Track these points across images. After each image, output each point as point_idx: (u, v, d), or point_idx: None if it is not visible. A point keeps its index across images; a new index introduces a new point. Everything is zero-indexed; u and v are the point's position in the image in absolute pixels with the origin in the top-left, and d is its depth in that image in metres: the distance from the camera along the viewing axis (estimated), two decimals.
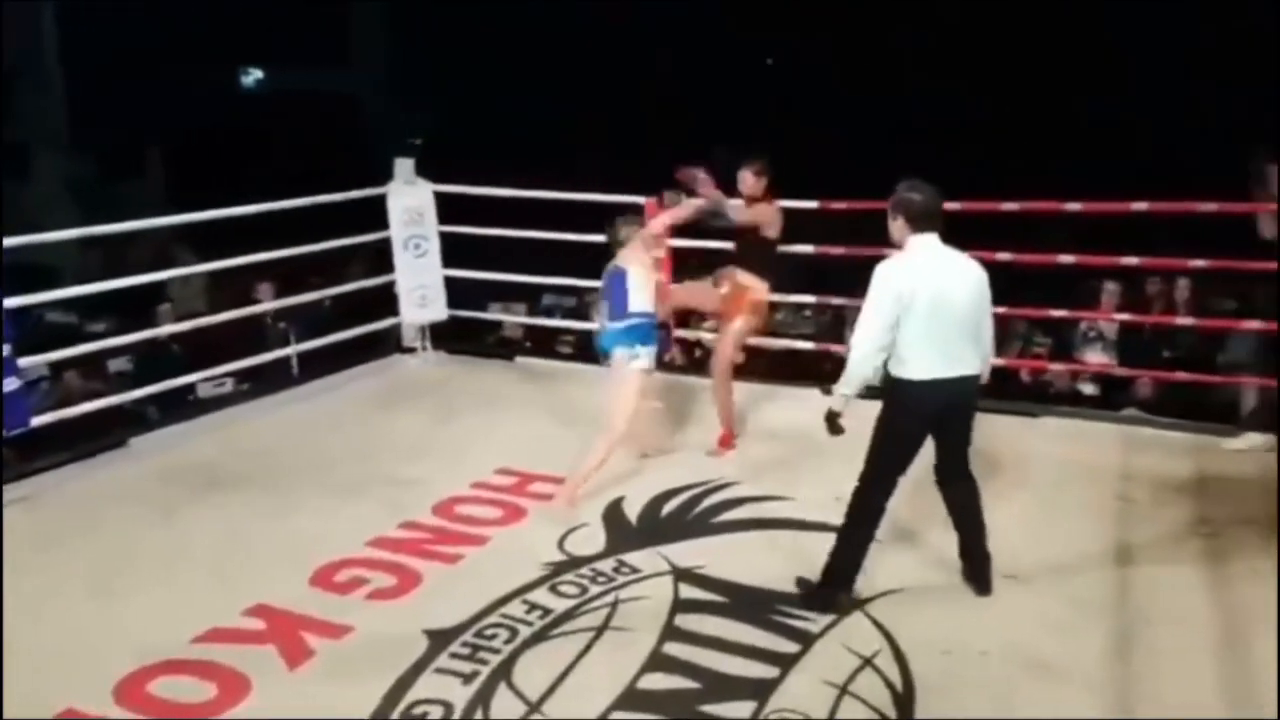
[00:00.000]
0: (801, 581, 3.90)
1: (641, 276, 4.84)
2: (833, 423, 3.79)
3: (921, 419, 3.72)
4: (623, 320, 4.82)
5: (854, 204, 5.92)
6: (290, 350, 6.71)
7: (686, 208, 5.04)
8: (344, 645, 3.58)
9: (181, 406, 6.28)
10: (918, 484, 4.57)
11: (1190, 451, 5.22)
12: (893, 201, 3.71)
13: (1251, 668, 3.35)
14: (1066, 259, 5.95)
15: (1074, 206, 5.64)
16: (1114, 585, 3.91)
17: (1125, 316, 6.83)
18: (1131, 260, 5.76)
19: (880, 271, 3.64)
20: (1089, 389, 7.08)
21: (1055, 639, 3.55)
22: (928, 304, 3.57)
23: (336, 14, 18.61)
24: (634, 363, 4.79)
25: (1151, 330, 6.98)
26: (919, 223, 3.66)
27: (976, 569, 3.93)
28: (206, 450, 5.42)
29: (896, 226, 3.72)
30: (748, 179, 5.21)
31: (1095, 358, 7.11)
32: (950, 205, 5.29)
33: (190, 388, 6.46)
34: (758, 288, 5.27)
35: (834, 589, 3.80)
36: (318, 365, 6.78)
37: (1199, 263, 5.59)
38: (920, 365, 3.62)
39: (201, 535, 4.43)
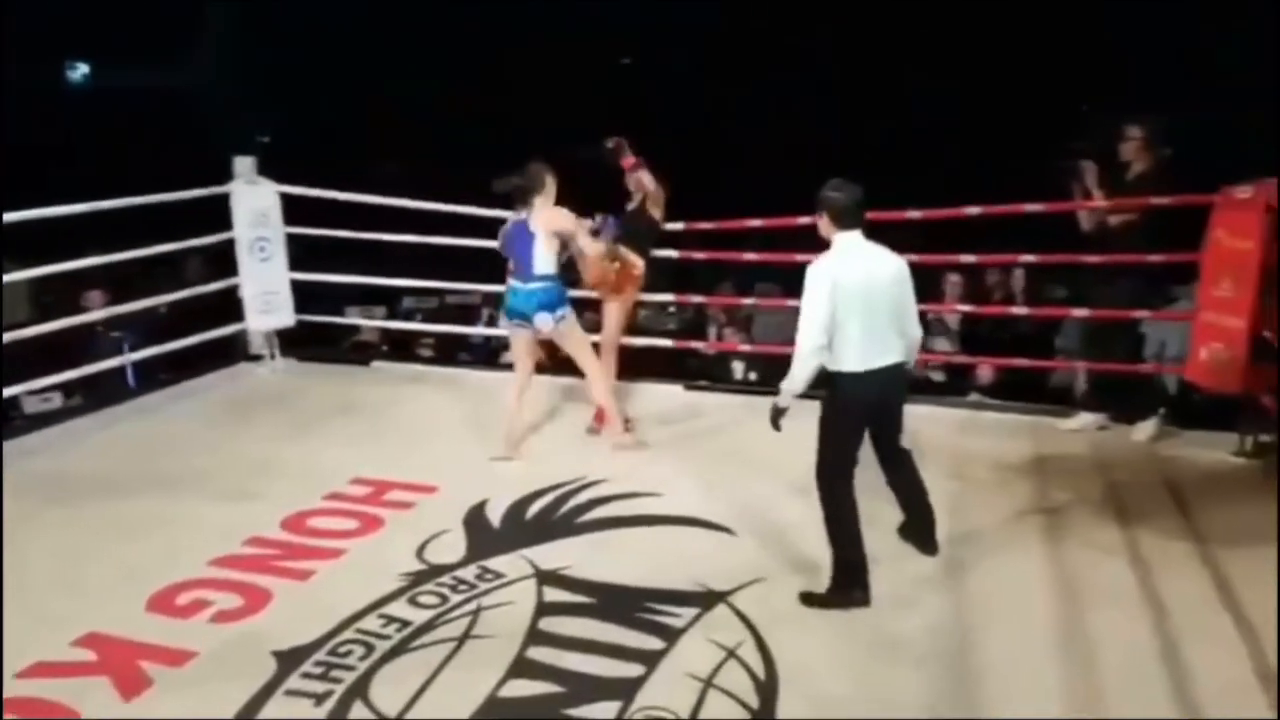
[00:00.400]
0: (805, 595, 3.84)
1: (548, 243, 5.04)
2: (776, 420, 3.92)
3: (862, 408, 3.86)
4: (532, 282, 5.03)
5: (722, 223, 6.16)
6: (121, 360, 6.33)
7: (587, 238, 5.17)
8: (185, 672, 3.39)
9: (4, 423, 5.87)
10: (787, 482, 4.71)
11: (1028, 433, 5.48)
12: (818, 200, 3.83)
13: (1088, 638, 3.51)
14: (911, 258, 6.18)
15: (914, 214, 5.87)
16: (958, 563, 4.05)
17: (967, 308, 7.12)
18: (970, 258, 6.04)
19: (812, 272, 3.75)
20: (938, 376, 7.35)
21: (905, 619, 3.66)
22: (859, 298, 3.71)
23: (173, 3, 17.74)
24: (563, 321, 5.09)
25: (991, 319, 7.29)
26: (843, 220, 3.79)
27: (925, 533, 4.12)
28: (33, 469, 5.10)
29: (823, 224, 3.85)
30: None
31: (941, 347, 7.39)
32: (804, 219, 5.55)
33: (13, 403, 6.05)
34: (640, 265, 5.44)
35: (847, 588, 3.80)
36: (157, 376, 6.45)
37: (1029, 257, 5.88)
38: (855, 358, 3.74)
39: (25, 562, 4.12)
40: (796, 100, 15.22)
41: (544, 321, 5.05)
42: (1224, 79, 11.21)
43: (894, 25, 14.75)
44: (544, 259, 5.02)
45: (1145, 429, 5.28)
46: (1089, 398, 5.67)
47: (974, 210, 5.64)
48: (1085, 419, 5.45)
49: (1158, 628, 3.54)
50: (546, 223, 5.01)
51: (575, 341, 5.21)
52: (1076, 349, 6.03)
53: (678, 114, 15.32)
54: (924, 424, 5.61)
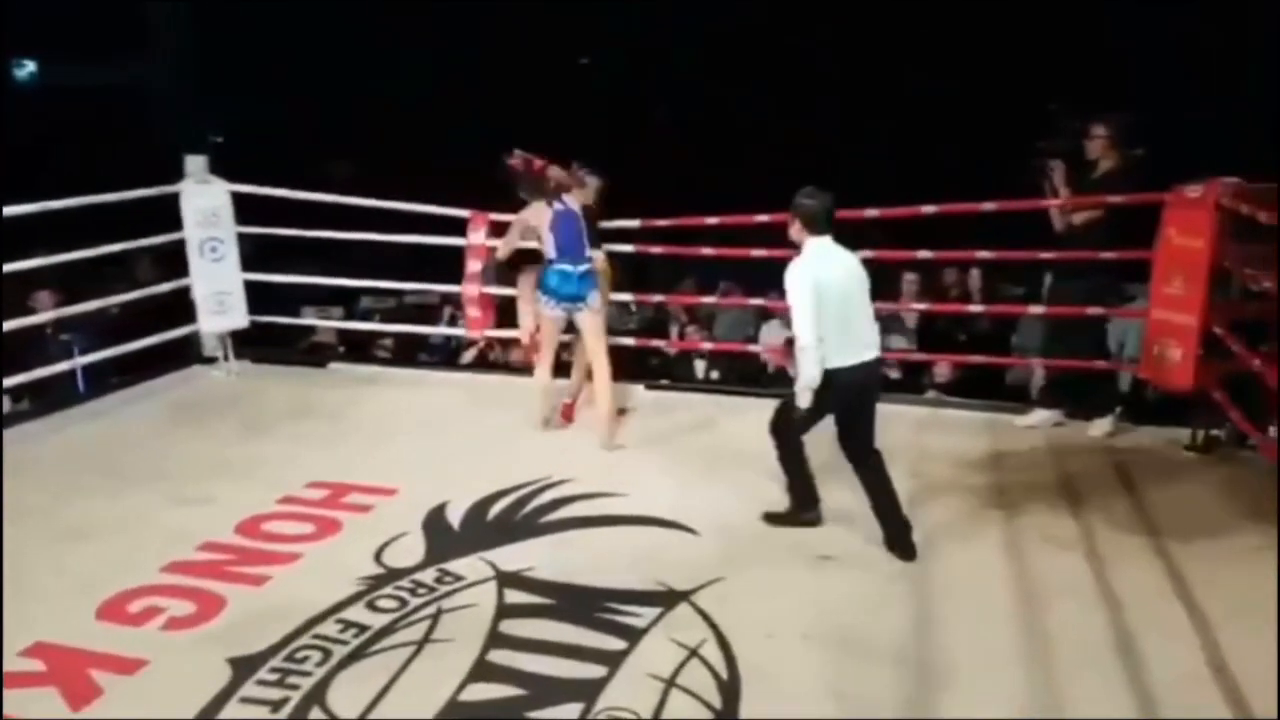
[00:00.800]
0: (769, 515, 4.42)
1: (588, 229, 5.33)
2: (796, 418, 4.19)
3: (848, 399, 4.09)
4: (583, 264, 5.26)
5: (679, 220, 6.16)
6: (71, 364, 6.18)
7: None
8: (137, 681, 3.32)
9: None
10: (749, 481, 4.72)
11: (986, 429, 5.54)
12: (792, 207, 4.07)
13: (1047, 632, 3.55)
14: (867, 254, 6.22)
15: (872, 212, 5.90)
16: (920, 560, 4.08)
17: (924, 306, 7.18)
18: (926, 254, 6.08)
19: (793, 273, 3.99)
20: (894, 374, 7.41)
21: (869, 617, 3.67)
22: (838, 298, 3.95)
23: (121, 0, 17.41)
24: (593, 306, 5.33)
25: (947, 317, 7.37)
26: (814, 225, 4.04)
27: (900, 537, 4.16)
28: None
29: (794, 229, 4.09)
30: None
31: (898, 345, 7.45)
32: (761, 217, 5.59)
33: None
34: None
35: (799, 510, 4.37)
36: (109, 379, 6.33)
37: (985, 254, 5.92)
38: (838, 354, 3.98)
39: None
40: (764, 98, 15.27)
41: (595, 301, 5.31)
42: (1195, 79, 11.43)
43: (861, 24, 14.84)
44: (588, 243, 5.32)
45: (1101, 425, 5.35)
46: (1045, 394, 5.73)
47: (930, 209, 5.68)
48: (1042, 415, 5.51)
49: (1113, 620, 3.60)
50: (582, 210, 5.34)
51: (599, 328, 5.38)
52: (1034, 347, 6.09)
53: (621, 114, 15.39)
54: (883, 421, 5.68)
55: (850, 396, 4.08)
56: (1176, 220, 4.84)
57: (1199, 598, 3.70)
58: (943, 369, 6.85)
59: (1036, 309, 5.58)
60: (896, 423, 5.60)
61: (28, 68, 18.08)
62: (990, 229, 5.97)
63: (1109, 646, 3.44)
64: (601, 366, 5.34)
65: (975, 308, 6.80)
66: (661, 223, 6.23)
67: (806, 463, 4.36)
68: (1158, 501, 4.51)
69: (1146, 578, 3.88)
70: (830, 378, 3.99)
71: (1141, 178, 5.10)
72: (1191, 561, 3.97)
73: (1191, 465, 5.00)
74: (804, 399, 4.03)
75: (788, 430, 4.26)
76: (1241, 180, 4.69)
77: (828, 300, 3.92)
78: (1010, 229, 5.96)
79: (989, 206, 5.55)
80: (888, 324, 7.65)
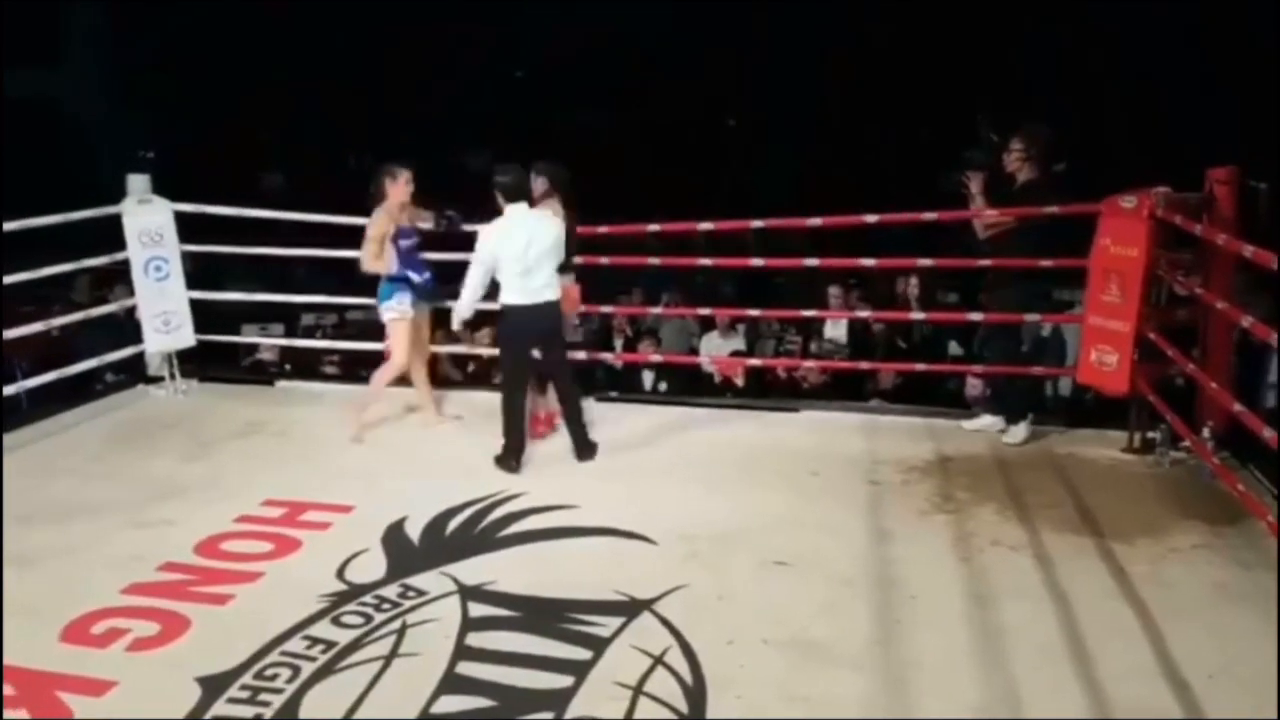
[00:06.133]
0: (496, 458, 5.22)
1: None
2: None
3: (523, 334, 5.16)
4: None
5: (616, 228, 6.15)
6: (17, 388, 6.04)
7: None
8: (106, 702, 3.29)
9: None
10: (704, 489, 4.79)
11: (929, 435, 5.65)
12: (492, 184, 5.10)
13: (1001, 632, 3.65)
14: (811, 262, 6.37)
15: (815, 221, 6.02)
16: (874, 564, 4.17)
17: (866, 314, 7.35)
18: (869, 262, 6.21)
19: (482, 232, 5.11)
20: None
21: (826, 621, 3.75)
22: (515, 253, 4.99)
23: (45, 14, 17.00)
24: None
25: (886, 325, 7.54)
26: (509, 195, 5.09)
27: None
28: None
29: (500, 200, 5.09)
30: (535, 185, 5.50)
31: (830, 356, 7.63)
32: (704, 225, 5.92)
33: None
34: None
35: (507, 460, 5.20)
36: (52, 401, 6.21)
37: (926, 261, 6.07)
38: (517, 296, 5.05)
39: None
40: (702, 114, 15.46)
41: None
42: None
43: (796, 37, 15.09)
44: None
45: (1016, 433, 5.47)
46: (990, 401, 5.88)
47: (872, 218, 5.81)
48: (987, 420, 5.66)
49: (1064, 619, 3.70)
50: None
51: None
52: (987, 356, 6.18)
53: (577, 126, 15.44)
54: (829, 427, 5.84)
55: (525, 324, 5.10)
56: (1111, 230, 5.01)
57: (1144, 595, 3.84)
58: (885, 376, 7.02)
59: (975, 315, 5.72)
60: (842, 429, 5.79)
61: None
62: (926, 239, 6.16)
63: (1061, 645, 3.54)
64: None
65: (916, 315, 6.98)
66: (603, 229, 6.20)
67: (522, 420, 5.22)
68: (1100, 503, 4.65)
69: (1093, 577, 4.00)
70: (509, 312, 5.08)
71: (1063, 190, 5.26)
72: (1135, 561, 4.10)
73: (1130, 467, 5.16)
74: (464, 311, 5.28)
75: (509, 387, 5.22)
76: (1170, 190, 4.89)
77: (507, 255, 4.99)
78: (944, 239, 6.16)
79: (929, 216, 5.69)
80: (811, 336, 7.90)
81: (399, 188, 5.54)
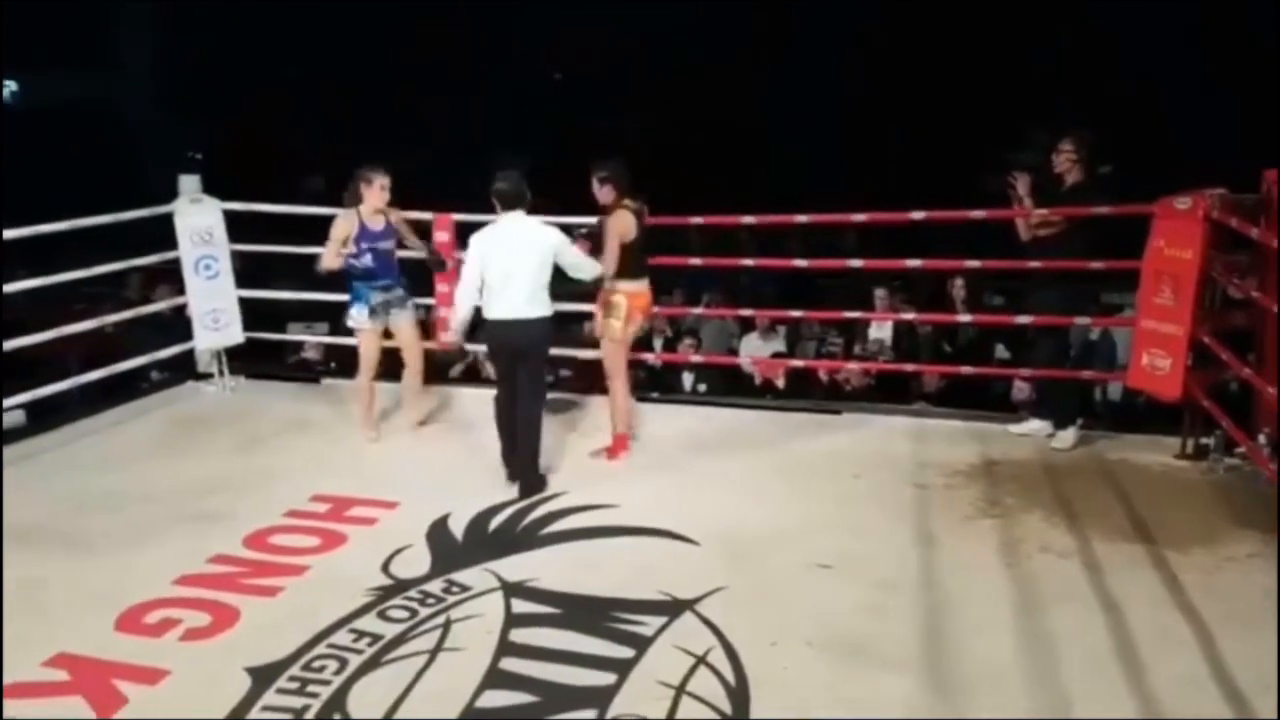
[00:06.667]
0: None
1: None
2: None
3: (495, 348, 4.99)
4: None
5: (658, 220, 6.04)
6: (70, 383, 6.17)
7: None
8: (160, 690, 3.36)
9: None
10: (744, 491, 4.77)
11: (976, 439, 5.58)
12: (490, 191, 4.87)
13: (1050, 638, 3.60)
14: (855, 263, 6.32)
15: (859, 217, 5.97)
16: (918, 568, 4.13)
17: (910, 316, 7.28)
18: (915, 263, 6.15)
19: (473, 238, 4.90)
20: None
21: (870, 624, 3.73)
22: (499, 262, 4.76)
23: (96, 17, 17.32)
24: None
25: (932, 328, 7.47)
26: (505, 202, 4.86)
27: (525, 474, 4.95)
28: None
29: (495, 205, 4.89)
30: (594, 185, 5.30)
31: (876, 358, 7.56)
32: (746, 219, 5.60)
33: None
34: (608, 288, 5.28)
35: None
36: (106, 396, 6.33)
37: (973, 263, 6.00)
38: (495, 308, 4.81)
39: None
40: (761, 108, 15.41)
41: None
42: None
43: (845, 37, 15.00)
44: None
45: (1065, 438, 5.41)
46: (1037, 405, 5.80)
47: (919, 215, 5.74)
48: (1035, 424, 5.59)
49: (1114, 626, 3.65)
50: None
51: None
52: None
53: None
54: (874, 431, 5.79)
55: (497, 338, 4.89)
56: (1165, 231, 4.94)
57: (1197, 604, 3.77)
58: (930, 379, 6.95)
59: (1024, 318, 5.63)
60: (886, 432, 5.74)
61: (9, 87, 18.01)
62: (962, 239, 6.08)
63: (1111, 653, 3.50)
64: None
65: (962, 317, 6.90)
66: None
67: (500, 422, 4.98)
68: (1151, 510, 4.58)
69: (1145, 586, 3.94)
70: (486, 325, 4.88)
71: (1110, 192, 5.20)
72: (1187, 569, 4.04)
73: (1183, 473, 5.07)
74: (451, 337, 5.19)
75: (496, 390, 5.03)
76: (1226, 191, 4.81)
77: (491, 263, 4.77)
78: (984, 239, 6.06)
79: (977, 214, 5.63)
80: (856, 338, 7.83)
81: (374, 192, 5.43)
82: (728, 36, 15.67)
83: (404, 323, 5.66)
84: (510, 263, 4.78)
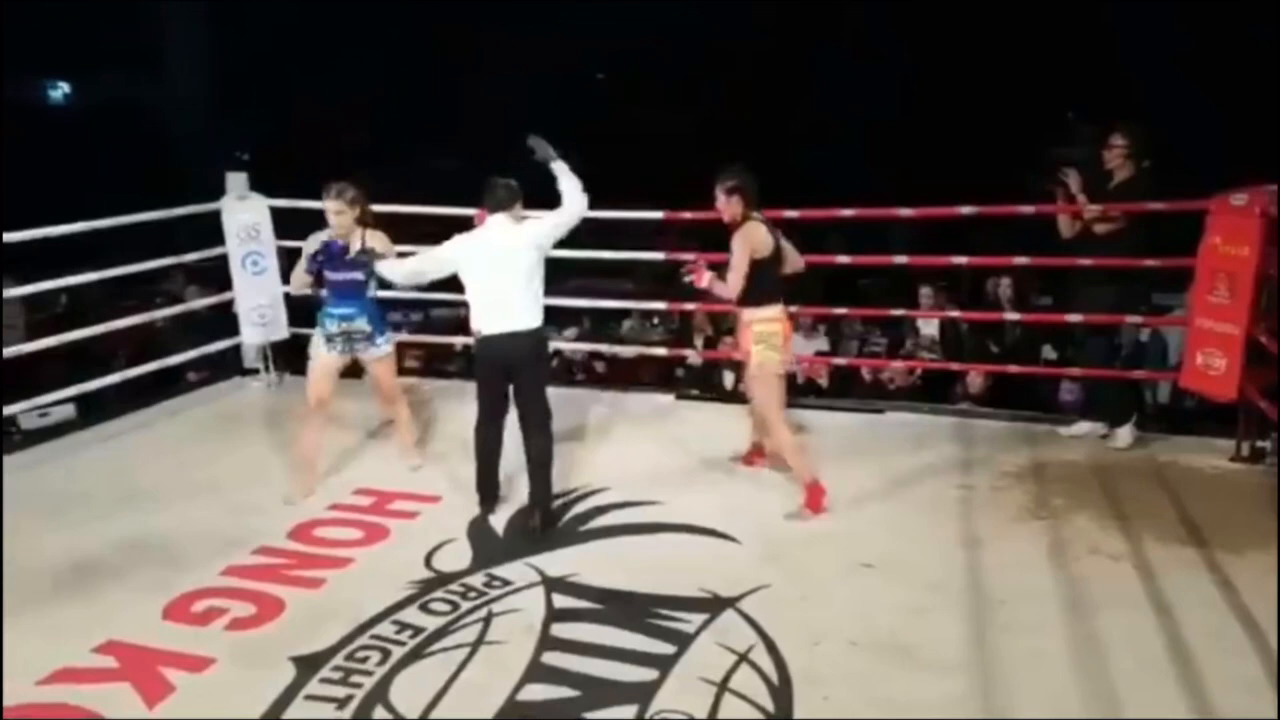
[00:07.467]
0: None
1: None
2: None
3: (486, 363, 4.56)
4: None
5: (700, 213, 6.02)
6: (118, 377, 6.28)
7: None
8: (206, 678, 3.40)
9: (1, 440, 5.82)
10: (784, 491, 4.73)
11: (1021, 440, 5.50)
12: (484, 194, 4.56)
13: (1100, 641, 3.54)
14: (900, 260, 6.24)
15: (906, 212, 5.89)
16: (964, 569, 4.07)
17: (956, 314, 7.20)
18: (961, 260, 6.07)
19: (454, 238, 4.60)
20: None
21: (915, 625, 3.68)
22: (481, 269, 4.46)
23: (145, 21, 17.64)
24: None
25: (975, 327, 7.38)
26: (496, 206, 4.50)
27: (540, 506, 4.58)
28: (32, 485, 5.04)
29: (487, 208, 4.57)
30: (718, 198, 4.66)
31: (921, 355, 7.47)
32: (789, 213, 5.49)
33: (10, 420, 6.03)
34: (748, 318, 4.69)
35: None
36: (153, 391, 6.42)
37: (1022, 260, 5.90)
38: (485, 323, 4.48)
39: (35, 574, 4.09)
40: (802, 100, 15.35)
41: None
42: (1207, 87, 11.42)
43: (889, 29, 14.90)
44: None
45: (1124, 436, 5.32)
46: (1087, 406, 5.70)
47: (968, 210, 5.64)
48: (1086, 426, 5.49)
49: (1167, 630, 3.58)
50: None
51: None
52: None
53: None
54: (919, 431, 5.72)
55: (491, 355, 4.50)
56: (1221, 228, 4.83)
57: (1252, 608, 3.68)
58: (976, 379, 6.86)
59: (1074, 316, 5.52)
60: (933, 433, 5.67)
61: (62, 89, 18.40)
62: (1001, 238, 5.96)
63: (1164, 656, 3.43)
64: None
65: (1009, 315, 6.80)
66: (687, 215, 6.08)
67: (486, 459, 4.64)
68: (1205, 513, 4.48)
69: (1197, 588, 3.85)
70: (478, 342, 4.54)
71: (1152, 188, 5.11)
72: (1243, 573, 3.95)
73: (1238, 476, 4.97)
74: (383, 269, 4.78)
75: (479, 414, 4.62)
76: None
77: (472, 270, 4.48)
78: (1023, 238, 5.96)
79: (1026, 209, 5.53)
80: (906, 336, 7.73)
81: (329, 216, 4.85)
82: (769, 32, 15.62)
83: (372, 366, 5.08)
84: (495, 269, 4.43)
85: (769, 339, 4.62)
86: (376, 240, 4.91)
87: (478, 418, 4.59)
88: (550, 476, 4.59)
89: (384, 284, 4.99)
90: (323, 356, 4.95)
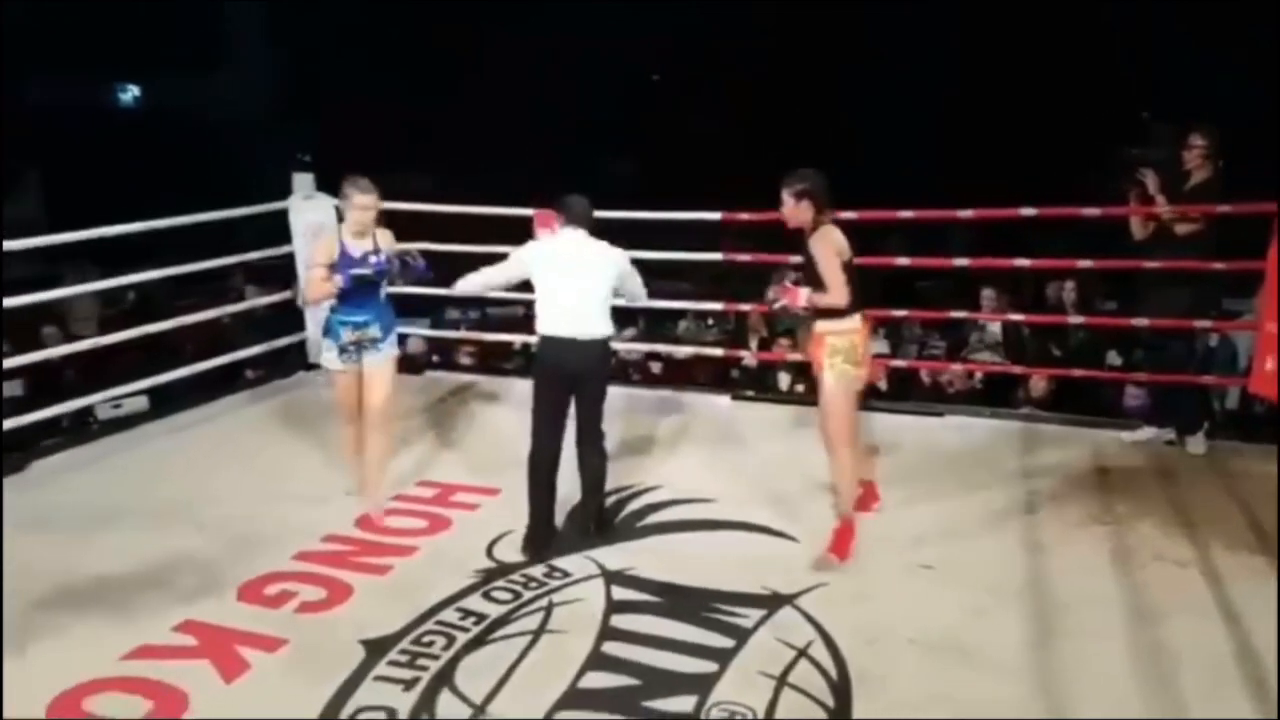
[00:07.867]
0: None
1: None
2: None
3: (550, 370, 4.41)
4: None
5: (757, 214, 5.98)
6: (187, 371, 6.45)
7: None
8: (280, 657, 3.52)
9: (80, 430, 6.03)
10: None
11: (1084, 445, 5.42)
12: (560, 205, 4.52)
13: (1163, 647, 3.51)
14: (960, 262, 6.18)
15: (966, 214, 5.84)
16: (1024, 573, 4.05)
17: (1019, 317, 7.11)
18: (1024, 262, 6.00)
19: (525, 245, 4.63)
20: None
21: (975, 626, 3.67)
22: (553, 275, 4.37)
23: (210, 22, 18.06)
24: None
25: (1037, 330, 7.29)
26: (573, 219, 4.45)
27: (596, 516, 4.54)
28: (111, 473, 5.21)
29: (560, 221, 4.52)
30: (786, 203, 4.28)
31: (983, 358, 7.40)
32: (847, 215, 5.39)
33: (89, 410, 6.23)
34: (821, 330, 4.31)
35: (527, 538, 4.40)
36: (221, 384, 6.59)
37: (1086, 263, 5.82)
38: (545, 325, 4.38)
39: (118, 557, 4.23)
40: (861, 99, 15.27)
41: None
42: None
43: (956, 30, 14.77)
44: None
45: (1197, 444, 5.25)
46: (1154, 411, 5.62)
47: (1029, 211, 5.56)
48: (1149, 432, 5.41)
49: (1235, 638, 3.53)
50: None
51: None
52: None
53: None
54: (980, 435, 5.68)
55: (555, 361, 4.37)
56: None
57: None
58: (1039, 384, 6.79)
59: (1141, 321, 5.43)
60: (994, 437, 5.62)
61: (132, 91, 18.87)
62: (1063, 241, 5.85)
63: (1232, 664, 3.39)
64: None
65: (1074, 319, 6.71)
66: (744, 216, 6.04)
67: (537, 483, 4.43)
68: (1274, 520, 4.35)
69: (1266, 596, 3.77)
70: (541, 345, 4.43)
71: (1225, 189, 5.04)
72: None
73: None
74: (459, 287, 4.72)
75: (534, 430, 4.46)
76: None
77: (549, 274, 4.38)
78: (1086, 241, 5.86)
79: (1092, 212, 5.46)
80: (970, 338, 7.67)
81: (353, 210, 4.56)
82: (824, 32, 15.57)
83: (372, 364, 4.66)
84: (569, 276, 4.32)
85: (846, 353, 4.23)
86: (385, 238, 4.70)
87: (534, 441, 4.39)
88: (604, 499, 4.57)
89: (391, 283, 4.76)
90: (341, 378, 4.71)
